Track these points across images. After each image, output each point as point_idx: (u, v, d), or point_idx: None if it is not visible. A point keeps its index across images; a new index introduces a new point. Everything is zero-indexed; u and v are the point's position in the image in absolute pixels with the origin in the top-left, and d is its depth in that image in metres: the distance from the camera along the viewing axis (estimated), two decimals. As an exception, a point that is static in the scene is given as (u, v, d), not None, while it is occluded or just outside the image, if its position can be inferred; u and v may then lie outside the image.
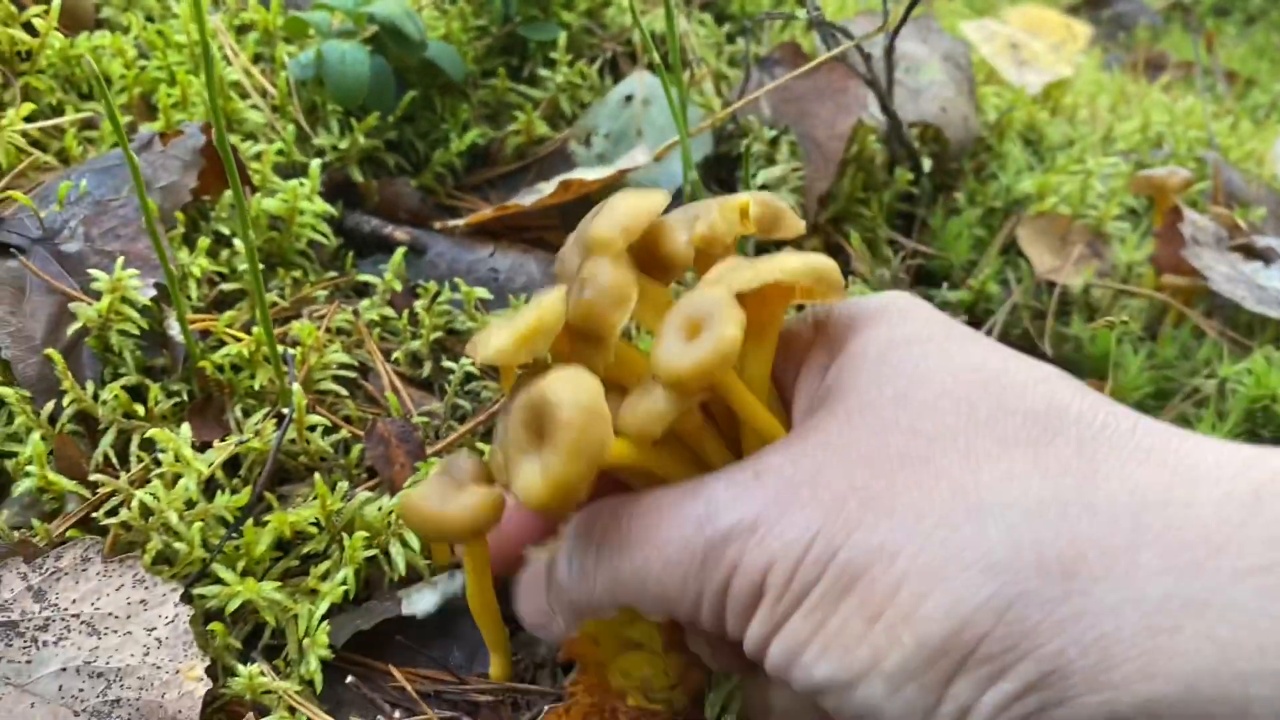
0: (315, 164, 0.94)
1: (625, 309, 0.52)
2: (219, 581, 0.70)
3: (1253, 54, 2.61)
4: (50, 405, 0.74)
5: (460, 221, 1.02)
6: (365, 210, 1.03)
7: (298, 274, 0.93)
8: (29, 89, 0.93)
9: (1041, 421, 0.47)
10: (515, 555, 0.62)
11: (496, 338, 0.52)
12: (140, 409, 0.76)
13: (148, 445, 0.75)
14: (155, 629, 0.66)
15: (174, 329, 0.79)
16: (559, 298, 0.53)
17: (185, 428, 0.74)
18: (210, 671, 0.65)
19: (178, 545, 0.70)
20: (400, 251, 0.93)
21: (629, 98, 1.10)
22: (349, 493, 0.76)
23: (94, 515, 0.71)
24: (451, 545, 0.73)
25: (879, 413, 0.50)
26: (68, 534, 0.70)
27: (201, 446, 0.75)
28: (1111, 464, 0.45)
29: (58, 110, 0.94)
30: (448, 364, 0.90)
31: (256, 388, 0.80)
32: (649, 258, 0.58)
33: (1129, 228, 1.19)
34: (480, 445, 0.84)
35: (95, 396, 0.75)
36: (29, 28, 0.94)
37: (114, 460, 0.75)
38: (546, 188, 1.01)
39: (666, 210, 0.58)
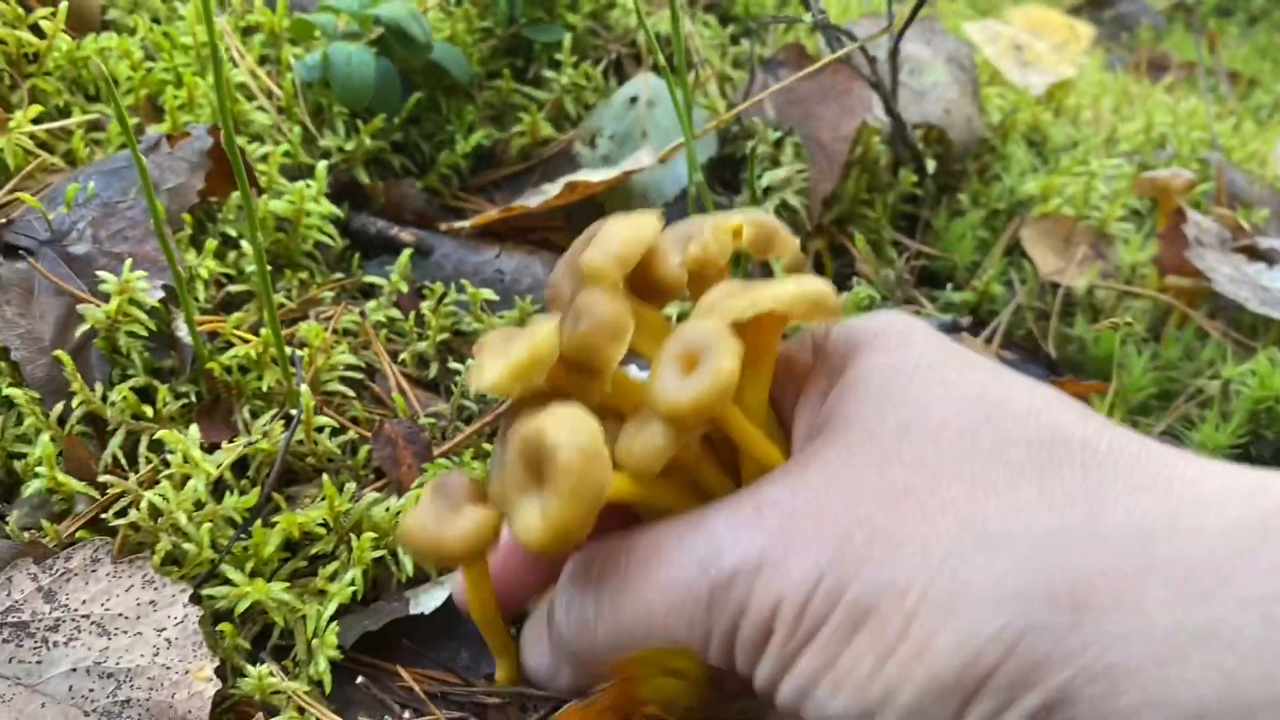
0: (322, 166, 0.94)
1: (622, 342, 0.52)
2: (228, 582, 0.70)
3: (1255, 54, 2.61)
4: (59, 406, 0.74)
5: (466, 223, 1.02)
6: (371, 212, 1.03)
7: (304, 275, 0.94)
8: (36, 91, 0.93)
9: (1046, 450, 0.47)
10: (521, 592, 0.62)
11: (490, 370, 0.51)
12: (149, 410, 0.76)
13: (156, 446, 0.75)
14: (165, 629, 0.66)
15: (182, 330, 0.79)
16: (552, 329, 0.53)
17: (194, 429, 0.74)
18: (219, 672, 0.66)
19: (187, 546, 0.70)
20: (406, 253, 0.94)
21: (634, 99, 1.11)
22: (357, 494, 0.77)
23: (103, 516, 0.71)
24: None
25: (882, 445, 0.49)
26: (77, 535, 0.71)
27: (210, 448, 0.76)
28: (1118, 492, 0.45)
29: (65, 112, 0.95)
30: (454, 365, 0.90)
31: (264, 389, 0.80)
32: (642, 281, 0.58)
33: (1132, 229, 1.19)
34: (486, 446, 0.84)
35: (104, 398, 0.75)
36: (36, 30, 0.94)
37: (123, 461, 0.75)
38: (552, 189, 1.01)
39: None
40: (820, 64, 1.03)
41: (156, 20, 1.05)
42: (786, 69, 1.15)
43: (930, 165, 1.18)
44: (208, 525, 0.71)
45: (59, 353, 0.74)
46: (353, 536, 0.74)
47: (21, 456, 0.74)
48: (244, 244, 0.89)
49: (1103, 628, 0.41)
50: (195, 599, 0.69)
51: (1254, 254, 1.10)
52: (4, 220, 0.82)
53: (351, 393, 0.85)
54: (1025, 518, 0.45)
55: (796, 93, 1.12)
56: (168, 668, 0.65)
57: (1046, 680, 0.42)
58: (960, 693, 0.43)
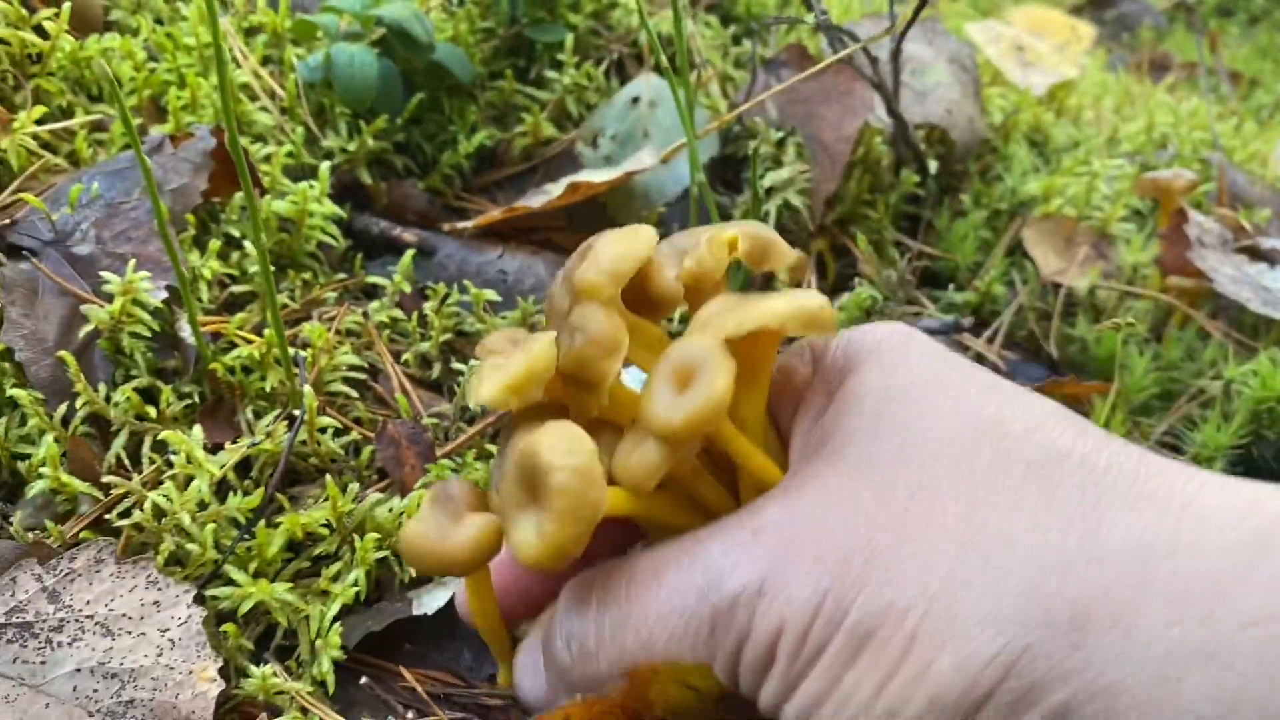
0: (324, 166, 0.94)
1: (617, 357, 0.52)
2: (231, 583, 0.70)
3: (1256, 54, 2.61)
4: (63, 407, 0.74)
5: (468, 223, 1.02)
6: (374, 212, 1.03)
7: (307, 276, 0.94)
8: (40, 91, 0.94)
9: (1044, 469, 0.47)
10: (523, 600, 0.62)
11: (488, 385, 0.52)
12: (152, 411, 0.76)
13: (160, 447, 0.75)
14: (168, 630, 0.66)
15: (185, 331, 0.79)
16: (549, 344, 0.53)
17: (197, 429, 0.74)
18: (223, 672, 0.66)
19: (190, 546, 0.71)
20: (409, 253, 0.94)
21: (635, 99, 1.11)
22: (360, 494, 0.77)
23: (107, 517, 0.72)
24: None
25: (879, 466, 0.50)
26: (81, 535, 0.71)
27: (213, 448, 0.76)
28: (1116, 511, 0.45)
29: (68, 113, 0.95)
30: (457, 366, 0.90)
31: (267, 389, 0.80)
32: (639, 294, 0.58)
33: (1134, 229, 1.20)
34: (490, 447, 0.84)
35: (107, 398, 0.76)
36: (40, 30, 0.94)
37: (126, 462, 0.75)
38: (554, 189, 1.01)
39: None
40: (822, 65, 1.03)
41: (159, 21, 1.05)
42: (788, 69, 1.15)
43: (932, 166, 1.18)
44: (211, 526, 0.71)
45: (63, 353, 0.74)
46: (356, 537, 0.74)
47: (25, 457, 0.74)
48: (247, 244, 0.89)
49: (1101, 647, 0.42)
50: (199, 599, 0.69)
51: (1255, 254, 1.10)
52: (8, 221, 0.82)
53: (354, 393, 0.85)
54: (1023, 538, 0.45)
55: (798, 93, 1.13)
56: (171, 668, 0.65)
57: (1046, 699, 0.42)
58: (961, 713, 0.44)
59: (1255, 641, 0.39)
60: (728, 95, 1.21)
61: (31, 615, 0.66)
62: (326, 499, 0.74)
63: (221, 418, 0.80)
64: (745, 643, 0.48)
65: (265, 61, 1.06)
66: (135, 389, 0.76)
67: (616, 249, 0.54)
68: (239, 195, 0.92)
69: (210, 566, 0.71)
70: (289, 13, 1.06)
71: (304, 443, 0.78)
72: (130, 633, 0.66)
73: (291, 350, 0.80)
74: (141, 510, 0.71)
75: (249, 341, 0.81)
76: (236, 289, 0.87)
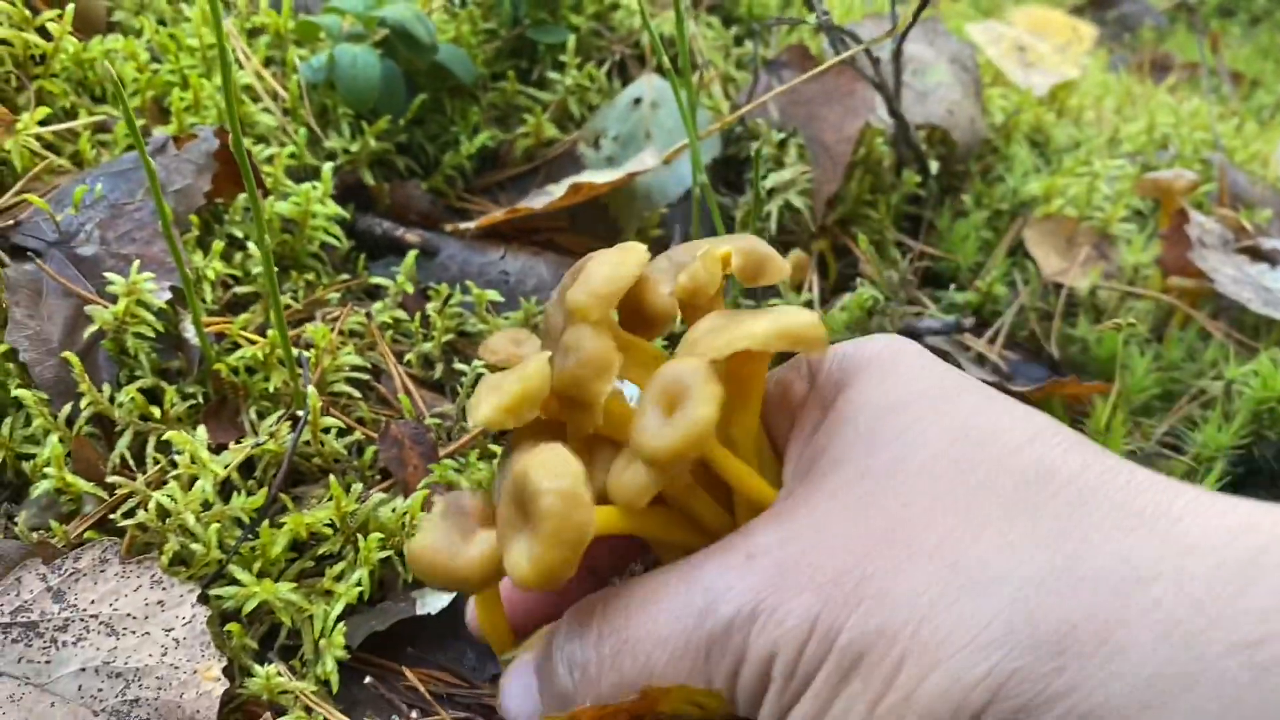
0: (327, 167, 0.94)
1: (608, 378, 0.53)
2: (235, 582, 0.71)
3: (1257, 55, 2.62)
4: (67, 407, 0.74)
5: (471, 224, 1.02)
6: (377, 213, 1.04)
7: (310, 277, 0.94)
8: (43, 93, 0.94)
9: (1033, 487, 0.47)
10: (532, 613, 0.63)
11: (484, 406, 0.53)
12: (156, 411, 0.76)
13: (164, 447, 0.76)
14: (173, 629, 0.67)
15: (189, 332, 0.79)
16: (543, 364, 0.54)
17: (201, 430, 0.75)
18: (227, 671, 0.66)
19: (194, 546, 0.71)
20: (412, 254, 0.94)
21: (637, 100, 1.11)
22: (363, 494, 0.77)
23: (111, 517, 0.72)
24: None
25: (869, 487, 0.50)
26: (85, 535, 0.71)
27: (217, 448, 0.76)
28: (1104, 531, 0.45)
29: (71, 114, 0.95)
30: (459, 366, 0.90)
31: (271, 390, 0.81)
32: (634, 311, 0.59)
33: (1135, 230, 1.20)
34: (493, 447, 0.84)
35: (112, 399, 0.76)
36: (43, 32, 0.95)
37: (130, 462, 0.75)
38: (556, 190, 1.01)
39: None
40: (824, 66, 1.03)
41: (162, 22, 1.05)
42: (790, 70, 1.15)
43: (933, 166, 1.18)
44: (215, 525, 0.71)
45: (67, 354, 0.74)
46: (359, 537, 0.74)
47: (30, 457, 0.75)
48: (251, 245, 0.89)
49: (1087, 672, 0.42)
50: (203, 599, 0.69)
51: (1256, 255, 1.11)
52: (12, 222, 0.82)
53: (357, 393, 0.85)
54: (1010, 560, 0.45)
55: (800, 94, 1.13)
56: (176, 667, 0.65)
57: None
58: None
59: (1242, 667, 0.39)
60: (729, 96, 1.21)
61: (36, 615, 0.66)
62: (330, 499, 0.74)
63: (225, 418, 0.80)
64: (741, 666, 0.49)
65: (268, 62, 1.06)
66: (139, 389, 0.77)
67: (606, 270, 0.55)
68: (242, 196, 0.92)
69: (214, 566, 0.71)
70: (292, 14, 1.06)
71: (307, 443, 0.79)
72: (135, 632, 0.66)
73: (295, 351, 0.80)
74: (146, 510, 0.71)
75: (252, 342, 0.82)
76: (240, 290, 0.88)
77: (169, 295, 0.79)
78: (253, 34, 1.08)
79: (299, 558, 0.75)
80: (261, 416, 0.81)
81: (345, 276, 0.96)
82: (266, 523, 0.72)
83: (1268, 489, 0.98)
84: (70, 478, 0.72)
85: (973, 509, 0.47)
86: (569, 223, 1.07)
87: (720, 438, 0.56)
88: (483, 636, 0.62)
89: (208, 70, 1.00)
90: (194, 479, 0.73)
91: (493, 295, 0.94)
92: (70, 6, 0.93)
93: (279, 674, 0.67)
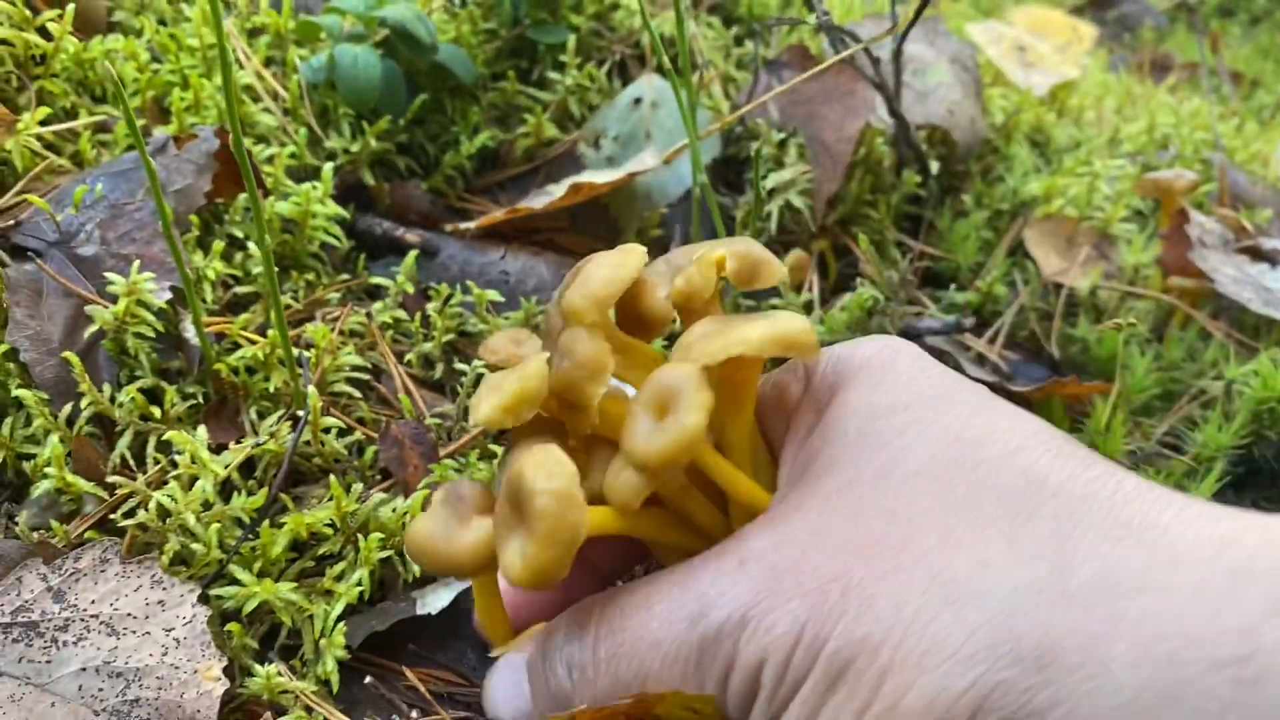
0: (328, 167, 0.94)
1: (602, 381, 0.54)
2: (236, 582, 0.71)
3: (1257, 55, 2.62)
4: (68, 407, 0.74)
5: (471, 224, 1.02)
6: (377, 213, 1.04)
7: (311, 277, 0.94)
8: (44, 93, 0.94)
9: (1019, 498, 0.47)
10: (530, 607, 0.63)
11: (484, 406, 0.54)
12: (157, 411, 0.76)
13: (164, 447, 0.76)
14: (173, 629, 0.67)
15: (189, 332, 0.80)
16: (541, 365, 0.55)
17: (201, 430, 0.75)
18: (228, 671, 0.66)
19: (195, 546, 0.71)
20: (412, 254, 0.94)
21: (637, 100, 1.11)
22: (364, 494, 0.77)
23: (111, 516, 0.72)
24: None
25: (858, 495, 0.50)
26: (86, 535, 0.71)
27: (217, 448, 0.76)
28: (1089, 543, 0.45)
29: (72, 114, 0.95)
30: (460, 366, 0.90)
31: (271, 390, 0.81)
32: (631, 315, 0.59)
33: (1135, 230, 1.20)
34: (493, 447, 0.84)
35: (112, 399, 0.76)
36: (43, 32, 0.95)
37: (131, 462, 0.75)
38: (556, 190, 1.02)
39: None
40: (824, 65, 1.03)
41: (163, 22, 1.06)
42: (790, 70, 1.15)
43: (934, 166, 1.18)
44: (216, 525, 0.71)
45: (67, 354, 0.74)
46: (360, 537, 0.74)
47: (31, 457, 0.75)
48: (251, 245, 0.89)
49: (1069, 686, 0.42)
50: (203, 599, 0.69)
51: (1257, 255, 1.11)
52: (12, 222, 0.82)
53: (358, 393, 0.85)
54: (994, 572, 0.45)
55: (800, 94, 1.13)
56: (176, 667, 0.65)
57: None
58: None
59: (1225, 683, 0.39)
60: (730, 96, 1.21)
61: (37, 615, 0.66)
62: (330, 499, 0.74)
63: (225, 418, 0.80)
64: (731, 671, 0.49)
65: (268, 63, 1.06)
66: (140, 389, 0.77)
67: (604, 273, 0.56)
68: (242, 196, 0.92)
69: (215, 566, 0.71)
70: (292, 14, 1.06)
71: (308, 443, 0.79)
72: (135, 632, 0.66)
73: (295, 351, 0.80)
74: (146, 510, 0.71)
75: (253, 342, 0.82)
76: (240, 290, 0.88)
77: (169, 295, 0.79)
78: (253, 34, 1.08)
79: (299, 558, 0.75)
80: (262, 416, 0.81)
81: (345, 276, 0.96)
82: (267, 523, 0.72)
83: (1267, 489, 0.98)
84: (71, 478, 0.72)
85: (958, 520, 0.47)
86: (569, 223, 1.07)
87: (713, 442, 0.56)
88: (482, 627, 0.62)
89: (208, 70, 1.00)
90: (194, 479, 0.73)
91: (493, 295, 0.94)
92: (71, 6, 0.93)
93: (279, 674, 0.67)
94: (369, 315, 0.92)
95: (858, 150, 1.11)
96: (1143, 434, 1.01)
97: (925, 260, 1.18)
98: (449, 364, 0.92)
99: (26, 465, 0.74)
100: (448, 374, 0.91)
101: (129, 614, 0.67)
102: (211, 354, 0.79)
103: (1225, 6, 3.04)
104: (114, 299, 0.78)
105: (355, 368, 0.86)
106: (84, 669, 0.64)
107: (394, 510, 0.76)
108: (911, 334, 1.03)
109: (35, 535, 0.71)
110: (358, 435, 0.82)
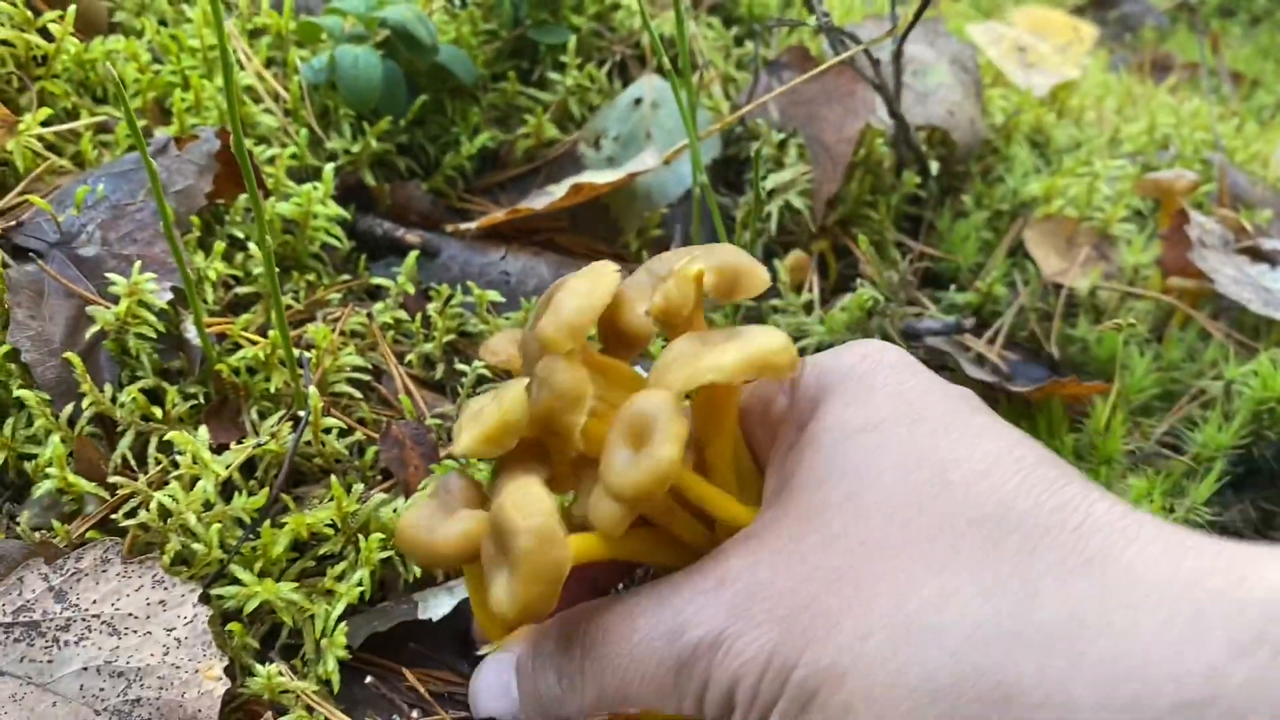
0: (328, 168, 0.95)
1: (581, 410, 0.53)
2: (237, 582, 0.71)
3: (1258, 55, 2.62)
4: (69, 408, 0.75)
5: (471, 225, 1.02)
6: (377, 214, 1.04)
7: (311, 277, 0.94)
8: (45, 93, 0.94)
9: (985, 527, 0.47)
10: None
11: (465, 437, 0.54)
12: (158, 411, 0.77)
13: (166, 447, 0.76)
14: (174, 629, 0.67)
15: (190, 332, 0.80)
16: (520, 394, 0.54)
17: (202, 430, 0.75)
18: (229, 671, 0.66)
19: (196, 546, 0.71)
20: (412, 255, 0.94)
21: (638, 101, 1.11)
22: (364, 494, 0.77)
23: (113, 517, 0.72)
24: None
25: (829, 519, 0.50)
26: (87, 535, 0.71)
27: (218, 448, 0.76)
28: (1053, 577, 0.44)
29: (73, 115, 0.95)
30: (460, 366, 0.90)
31: (272, 390, 0.81)
32: (611, 333, 0.59)
33: (1135, 230, 1.20)
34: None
35: (113, 399, 0.76)
36: (44, 33, 0.95)
37: (132, 462, 0.76)
38: (557, 190, 1.02)
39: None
40: (824, 66, 1.04)
41: (164, 23, 1.06)
42: (790, 71, 1.16)
43: (933, 167, 1.18)
44: (217, 525, 0.71)
45: (69, 354, 0.74)
46: (360, 537, 0.74)
47: (32, 457, 0.75)
48: (252, 246, 0.89)
49: None
50: (204, 599, 0.69)
51: (1257, 255, 1.11)
52: (14, 222, 0.83)
53: (359, 394, 0.85)
54: (957, 605, 0.45)
55: (800, 95, 1.13)
56: (177, 667, 0.65)
57: None
58: None
59: None
60: (730, 96, 1.21)
61: (38, 614, 0.66)
62: (331, 499, 0.74)
63: (226, 418, 0.80)
64: (706, 691, 0.49)
65: (269, 63, 1.06)
66: (141, 390, 0.77)
67: (576, 301, 0.54)
68: (243, 197, 0.92)
69: (216, 566, 0.71)
70: (293, 14, 1.07)
71: (308, 443, 0.79)
72: (136, 632, 0.66)
73: (296, 351, 0.81)
74: (147, 510, 0.71)
75: (254, 342, 0.82)
76: (241, 290, 0.88)
77: (170, 296, 0.79)
78: (254, 35, 1.08)
79: (300, 558, 0.75)
80: (263, 417, 0.81)
81: (346, 277, 0.97)
82: (268, 523, 0.72)
83: (1267, 489, 0.98)
84: (72, 478, 0.72)
85: (924, 550, 0.47)
86: (570, 223, 1.07)
87: (694, 462, 0.56)
88: (478, 625, 0.63)
89: (209, 71, 1.00)
90: (195, 479, 0.73)
91: (494, 296, 0.94)
92: (72, 8, 0.93)
93: (280, 674, 0.67)
94: (370, 316, 0.92)
95: (858, 151, 1.12)
96: (1142, 434, 1.02)
97: (925, 261, 1.18)
98: (450, 364, 0.92)
99: (28, 465, 0.74)
100: (448, 374, 0.91)
101: (130, 614, 0.67)
102: (213, 354, 0.79)
103: (1226, 6, 3.04)
104: (115, 299, 0.78)
105: (356, 368, 0.86)
106: (85, 669, 0.64)
107: (395, 511, 0.76)
108: (911, 334, 1.04)
109: (37, 535, 0.71)
110: (358, 436, 0.83)
